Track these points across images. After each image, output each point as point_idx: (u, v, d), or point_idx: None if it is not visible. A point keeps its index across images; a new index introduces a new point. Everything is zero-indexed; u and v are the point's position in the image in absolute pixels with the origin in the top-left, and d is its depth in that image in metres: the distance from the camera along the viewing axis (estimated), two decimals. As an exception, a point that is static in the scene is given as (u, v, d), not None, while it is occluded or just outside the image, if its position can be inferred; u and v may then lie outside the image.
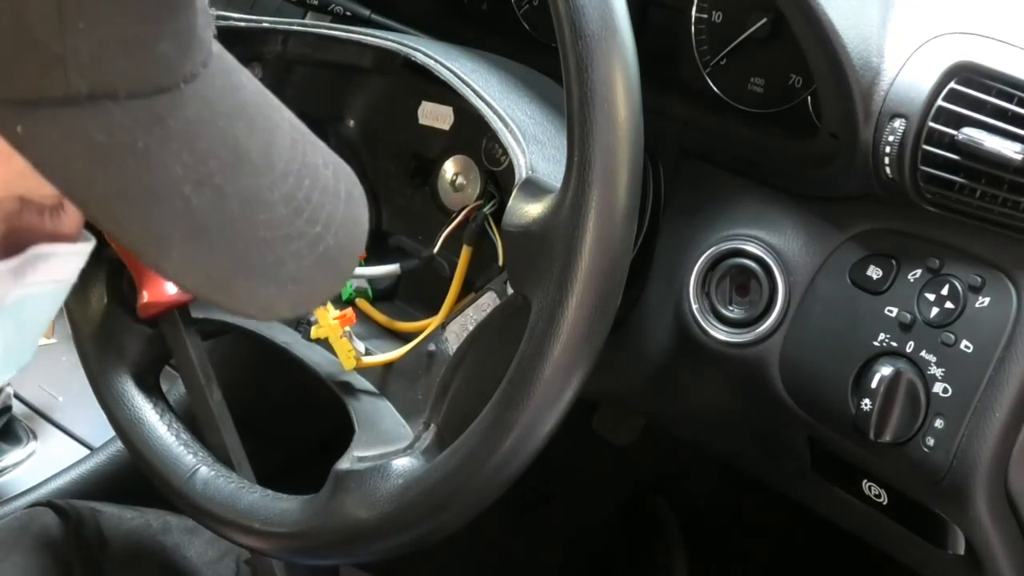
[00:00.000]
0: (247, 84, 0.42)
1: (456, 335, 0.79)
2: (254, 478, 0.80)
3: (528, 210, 0.64)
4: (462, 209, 0.84)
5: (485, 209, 0.82)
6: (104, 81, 0.34)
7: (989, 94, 0.64)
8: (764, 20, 0.78)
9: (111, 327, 0.86)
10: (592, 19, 0.58)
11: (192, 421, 0.84)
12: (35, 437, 1.24)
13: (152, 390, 0.86)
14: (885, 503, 0.74)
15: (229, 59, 0.42)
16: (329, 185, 0.43)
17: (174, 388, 1.12)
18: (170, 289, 0.81)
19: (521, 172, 0.67)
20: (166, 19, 0.36)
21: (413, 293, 0.90)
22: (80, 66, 0.33)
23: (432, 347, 0.79)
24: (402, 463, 0.69)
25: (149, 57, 0.36)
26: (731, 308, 0.77)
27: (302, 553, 0.73)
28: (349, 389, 0.81)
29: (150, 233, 0.36)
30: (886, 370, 0.68)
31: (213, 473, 0.78)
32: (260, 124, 0.41)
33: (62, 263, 0.43)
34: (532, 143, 0.69)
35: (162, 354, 0.86)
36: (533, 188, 0.65)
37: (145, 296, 0.82)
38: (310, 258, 0.41)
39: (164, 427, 0.83)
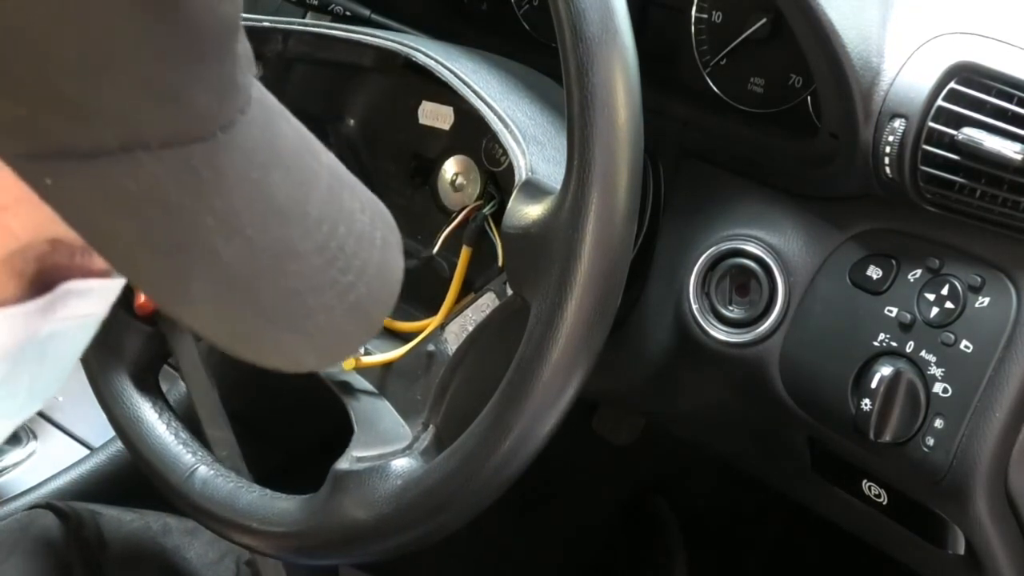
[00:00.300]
0: (286, 130, 0.40)
1: (455, 335, 0.79)
2: (249, 475, 0.80)
3: (528, 212, 0.64)
4: (462, 209, 0.84)
5: (485, 210, 0.82)
6: (135, 133, 0.33)
7: (989, 94, 0.64)
8: (764, 20, 0.77)
9: (110, 325, 0.85)
10: (593, 22, 0.58)
11: (191, 420, 0.84)
12: (35, 437, 1.24)
13: (151, 389, 0.86)
14: (885, 503, 0.74)
15: (270, 103, 0.40)
16: (365, 232, 0.42)
17: (174, 388, 1.12)
18: None
19: (521, 173, 0.67)
20: (202, 67, 0.35)
21: (412, 293, 0.90)
22: (110, 118, 0.32)
23: (431, 347, 0.79)
24: (401, 464, 0.68)
25: (183, 107, 0.34)
26: (731, 308, 0.77)
27: (300, 553, 0.73)
28: (348, 389, 0.81)
29: (177, 286, 0.35)
30: (886, 370, 0.68)
31: (212, 472, 0.78)
32: (297, 172, 0.39)
33: (93, 298, 0.42)
34: (532, 144, 0.69)
35: (161, 352, 0.86)
36: (533, 190, 0.65)
37: (142, 295, 0.82)
38: (341, 309, 0.40)
39: (163, 426, 0.83)
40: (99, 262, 0.41)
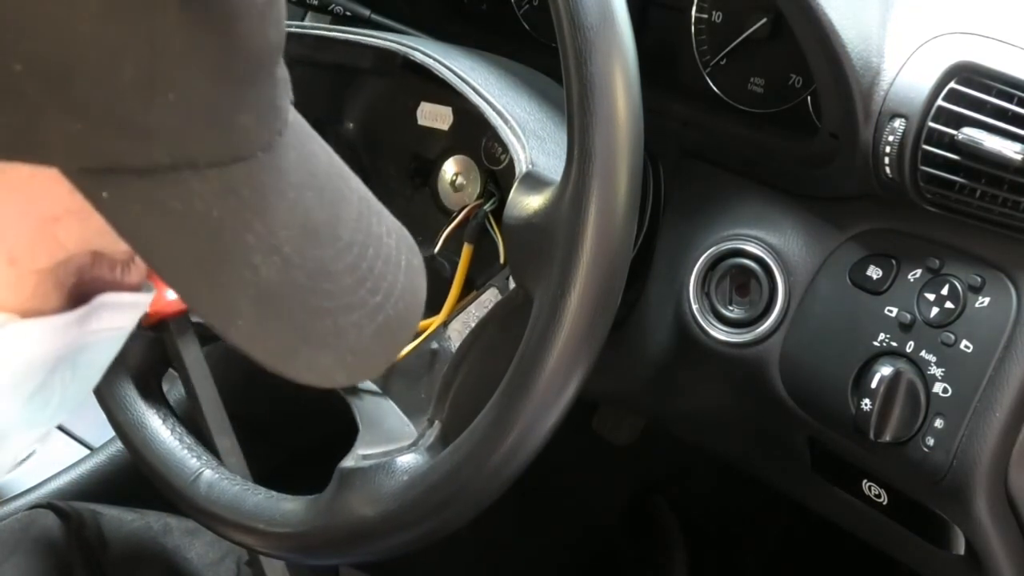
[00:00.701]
0: (319, 152, 0.42)
1: (458, 332, 0.79)
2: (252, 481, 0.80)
3: (529, 203, 0.64)
4: (462, 209, 0.84)
5: (486, 207, 0.82)
6: (186, 151, 0.35)
7: (989, 94, 0.64)
8: (764, 20, 0.78)
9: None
10: (591, 12, 0.59)
11: (194, 423, 0.84)
12: (35, 437, 1.24)
13: (154, 394, 0.86)
14: (885, 503, 0.74)
15: (304, 127, 0.42)
16: (391, 255, 0.44)
17: (174, 389, 1.12)
18: (170, 296, 0.82)
19: (521, 166, 0.67)
20: (248, 91, 0.37)
21: (414, 293, 0.90)
22: (165, 137, 0.34)
23: (435, 345, 0.79)
24: (406, 460, 0.68)
25: (230, 128, 0.36)
26: (731, 308, 0.77)
27: (307, 552, 0.73)
28: (352, 388, 0.81)
29: (220, 301, 0.37)
30: (886, 370, 0.68)
31: (217, 476, 0.78)
32: (329, 194, 0.41)
33: (125, 312, 0.43)
34: (532, 138, 0.69)
35: (164, 358, 0.86)
36: (533, 182, 0.65)
37: None
38: (370, 328, 0.41)
39: (167, 431, 0.83)
40: (134, 276, 0.42)
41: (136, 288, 0.43)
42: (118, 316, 0.43)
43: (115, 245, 0.37)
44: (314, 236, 0.39)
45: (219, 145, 0.36)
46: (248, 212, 0.37)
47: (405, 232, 0.46)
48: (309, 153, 0.41)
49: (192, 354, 0.83)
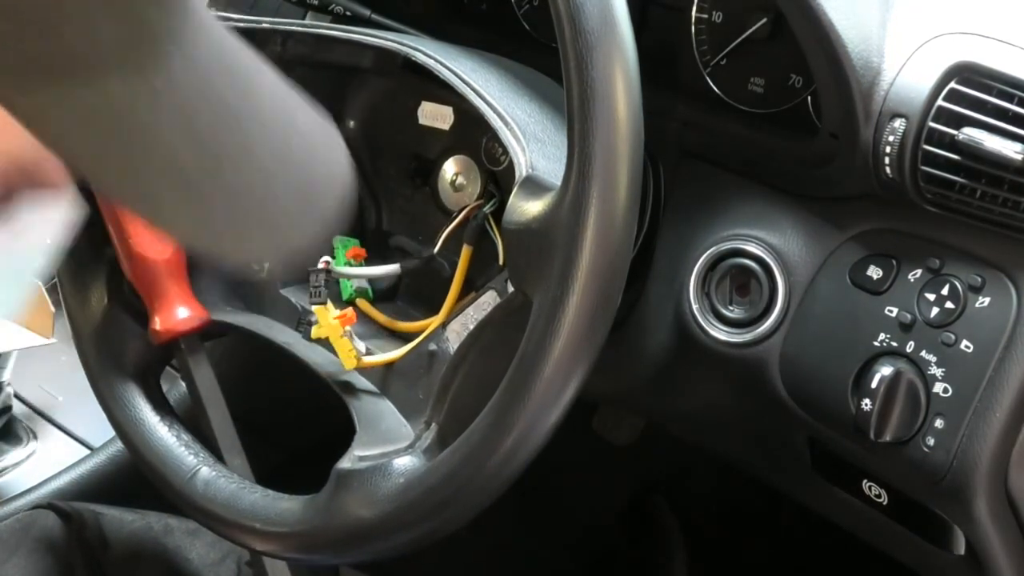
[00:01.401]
0: (231, 44, 0.43)
1: (457, 334, 0.79)
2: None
3: (528, 207, 0.64)
4: (462, 209, 0.84)
5: (486, 208, 0.82)
6: (97, 49, 0.36)
7: (990, 94, 0.64)
8: (764, 20, 0.78)
9: (111, 328, 0.86)
10: (591, 16, 0.59)
11: (192, 421, 0.84)
12: (35, 437, 1.25)
13: (153, 391, 0.86)
14: (885, 503, 0.74)
15: (213, 21, 0.43)
16: (309, 134, 0.46)
17: (174, 388, 1.12)
18: (181, 314, 0.82)
19: (521, 170, 0.67)
20: None
21: (414, 293, 0.90)
22: (73, 36, 0.35)
23: (433, 347, 0.79)
24: (403, 462, 0.69)
25: (137, 23, 0.37)
26: (731, 308, 0.77)
27: (303, 553, 0.73)
28: (350, 389, 0.81)
29: (142, 191, 0.38)
30: (886, 370, 0.68)
31: (214, 474, 0.78)
32: (244, 82, 0.43)
33: (50, 225, 0.45)
34: (532, 141, 0.69)
35: (163, 356, 0.86)
36: (533, 186, 0.65)
37: (158, 323, 0.82)
38: (295, 205, 0.43)
39: (165, 428, 0.83)
40: (59, 186, 0.44)
41: (60, 188, 0.45)
42: (44, 228, 0.44)
43: (38, 154, 0.38)
44: (232, 122, 0.41)
45: (128, 41, 0.37)
46: (163, 104, 0.38)
47: (322, 119, 0.48)
48: (221, 44, 0.42)
49: (203, 371, 0.83)
